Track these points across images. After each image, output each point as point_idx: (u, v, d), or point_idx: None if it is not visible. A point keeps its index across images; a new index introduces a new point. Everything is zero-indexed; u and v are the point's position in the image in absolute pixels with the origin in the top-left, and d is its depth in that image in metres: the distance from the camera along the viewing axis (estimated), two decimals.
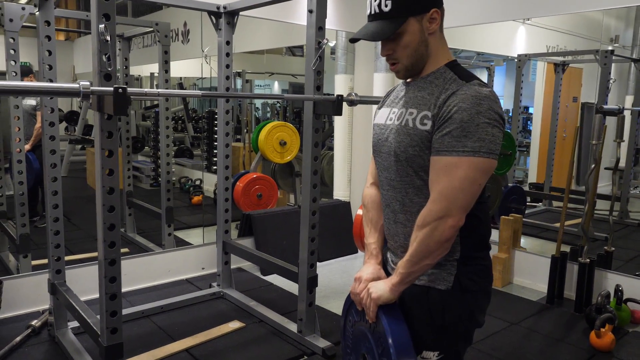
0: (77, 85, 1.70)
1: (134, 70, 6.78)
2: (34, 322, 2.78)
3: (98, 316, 2.24)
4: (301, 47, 6.60)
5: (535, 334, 2.95)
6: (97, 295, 2.04)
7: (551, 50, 5.42)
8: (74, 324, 2.73)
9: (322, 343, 2.68)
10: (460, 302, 1.31)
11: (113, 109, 1.76)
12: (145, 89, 1.71)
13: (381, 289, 1.33)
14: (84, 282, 3.03)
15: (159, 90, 1.93)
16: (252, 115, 7.56)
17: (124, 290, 3.26)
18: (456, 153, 1.19)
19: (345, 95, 2.60)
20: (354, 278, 1.43)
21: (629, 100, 5.22)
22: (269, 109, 8.42)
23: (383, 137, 1.38)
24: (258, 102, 8.46)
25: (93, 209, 1.98)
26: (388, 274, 1.46)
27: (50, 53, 2.51)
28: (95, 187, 1.95)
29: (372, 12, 1.29)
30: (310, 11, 2.51)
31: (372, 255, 1.46)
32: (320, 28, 2.51)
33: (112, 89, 1.75)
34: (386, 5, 1.25)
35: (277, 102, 7.89)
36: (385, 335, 1.30)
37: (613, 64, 4.69)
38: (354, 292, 1.42)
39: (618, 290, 3.06)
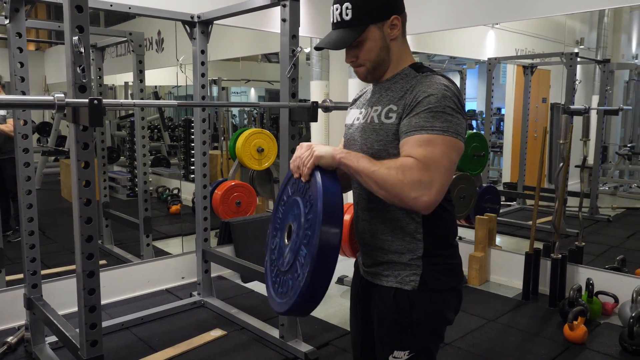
0: (52, 98, 1.70)
1: (108, 80, 6.71)
2: (9, 339, 2.73)
3: (77, 329, 2.23)
4: (276, 54, 6.65)
5: (512, 330, 3.02)
6: (76, 309, 2.03)
7: (520, 53, 5.56)
8: (52, 339, 2.70)
9: (304, 347, 2.70)
10: (428, 302, 1.32)
11: (88, 121, 1.76)
12: (121, 100, 1.71)
13: (326, 150, 1.27)
14: (62, 296, 2.99)
15: (134, 100, 1.92)
16: (229, 122, 7.55)
17: (102, 302, 3.22)
18: (425, 131, 1.20)
19: (320, 102, 2.64)
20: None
21: (595, 100, 5.39)
22: (245, 116, 8.41)
23: (352, 136, 1.43)
24: (235, 110, 8.45)
25: (68, 222, 1.97)
26: (360, 278, 1.48)
27: (22, 65, 2.49)
28: (70, 199, 1.94)
29: (335, 21, 1.33)
30: (283, 20, 2.55)
31: None
32: (294, 36, 2.55)
33: (87, 100, 1.75)
34: (347, 15, 1.29)
35: (254, 109, 7.89)
36: (316, 189, 1.21)
37: (580, 66, 4.86)
38: (295, 156, 1.34)
39: (589, 284, 3.16)
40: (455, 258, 1.39)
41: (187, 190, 5.92)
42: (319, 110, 2.60)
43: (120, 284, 3.49)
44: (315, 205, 1.19)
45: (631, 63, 6.06)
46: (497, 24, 5.03)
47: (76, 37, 1.82)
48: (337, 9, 1.31)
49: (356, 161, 1.23)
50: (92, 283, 1.98)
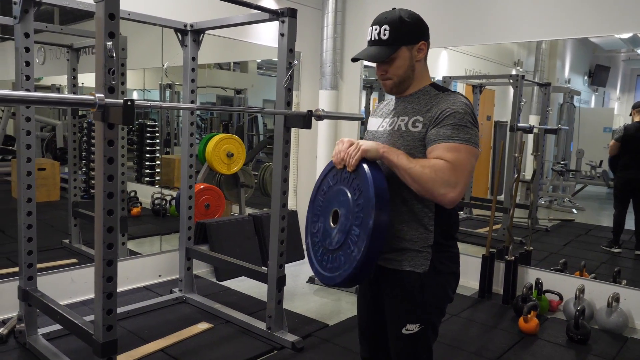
0: (93, 97, 1.84)
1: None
2: (0, 330, 2.75)
3: (85, 317, 2.34)
4: (238, 63, 6.85)
5: (473, 323, 3.36)
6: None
7: (468, 74, 6.04)
8: (44, 330, 2.76)
9: (291, 337, 2.90)
10: (435, 282, 1.59)
11: (122, 119, 1.91)
12: (150, 101, 1.82)
13: (370, 145, 1.50)
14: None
15: (161, 103, 2.08)
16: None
17: (83, 298, 3.32)
18: (452, 140, 1.47)
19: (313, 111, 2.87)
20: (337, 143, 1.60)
21: (532, 119, 5.93)
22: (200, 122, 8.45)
23: (377, 140, 1.65)
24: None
25: None
26: (374, 281, 1.70)
27: (27, 64, 2.56)
28: None
29: (373, 39, 1.58)
30: (282, 34, 2.77)
31: None
32: (291, 50, 2.78)
33: (121, 101, 1.90)
34: (384, 35, 1.55)
35: (201, 116, 7.96)
36: (365, 178, 1.42)
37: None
38: (339, 149, 1.55)
39: (538, 283, 3.57)
40: (456, 248, 1.67)
41: (143, 193, 5.96)
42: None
43: None
44: (367, 191, 1.40)
45: (565, 87, 6.71)
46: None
47: (110, 43, 1.97)
48: (376, 29, 1.56)
49: (396, 157, 1.49)
50: (111, 271, 2.12)
